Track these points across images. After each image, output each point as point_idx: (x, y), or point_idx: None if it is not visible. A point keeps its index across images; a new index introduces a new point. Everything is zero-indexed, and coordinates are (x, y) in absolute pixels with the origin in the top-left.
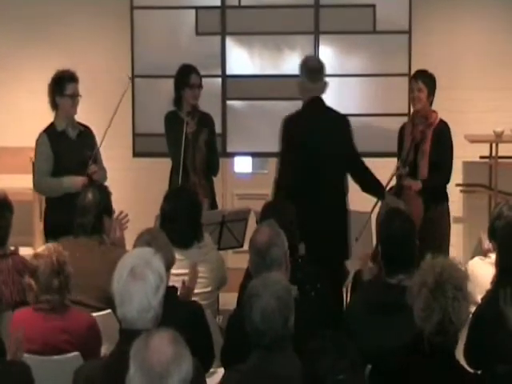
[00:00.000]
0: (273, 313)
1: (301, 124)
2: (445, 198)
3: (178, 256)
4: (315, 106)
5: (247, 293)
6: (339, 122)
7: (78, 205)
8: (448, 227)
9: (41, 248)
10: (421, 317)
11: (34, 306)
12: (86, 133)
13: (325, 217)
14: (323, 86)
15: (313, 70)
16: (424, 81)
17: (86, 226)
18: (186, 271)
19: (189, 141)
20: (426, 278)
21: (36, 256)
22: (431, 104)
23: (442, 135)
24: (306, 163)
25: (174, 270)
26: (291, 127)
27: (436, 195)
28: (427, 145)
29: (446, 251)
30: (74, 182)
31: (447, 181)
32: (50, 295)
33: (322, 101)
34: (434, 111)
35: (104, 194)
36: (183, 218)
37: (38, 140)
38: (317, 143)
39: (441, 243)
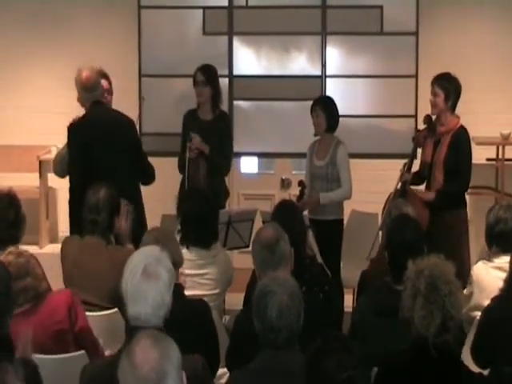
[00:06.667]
0: (288, 309)
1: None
2: (461, 203)
3: (190, 256)
4: (99, 109)
5: (259, 292)
6: (123, 123)
7: (88, 201)
8: (465, 233)
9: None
10: (423, 325)
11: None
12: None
13: None
14: (100, 91)
15: (86, 82)
16: (440, 85)
17: (101, 223)
18: (198, 272)
19: (191, 163)
20: (417, 286)
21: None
22: (453, 108)
23: (459, 141)
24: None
25: (187, 270)
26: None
27: (452, 200)
28: (443, 151)
29: (463, 258)
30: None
31: (463, 190)
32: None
33: (103, 104)
34: (456, 116)
35: (115, 192)
36: (210, 219)
37: None
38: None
39: (454, 249)
